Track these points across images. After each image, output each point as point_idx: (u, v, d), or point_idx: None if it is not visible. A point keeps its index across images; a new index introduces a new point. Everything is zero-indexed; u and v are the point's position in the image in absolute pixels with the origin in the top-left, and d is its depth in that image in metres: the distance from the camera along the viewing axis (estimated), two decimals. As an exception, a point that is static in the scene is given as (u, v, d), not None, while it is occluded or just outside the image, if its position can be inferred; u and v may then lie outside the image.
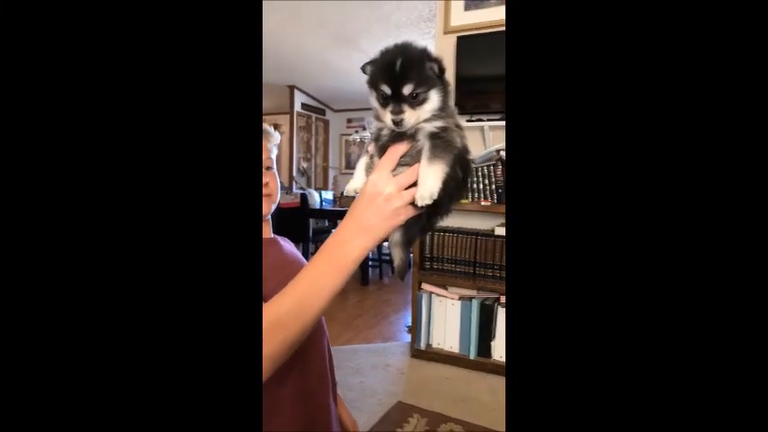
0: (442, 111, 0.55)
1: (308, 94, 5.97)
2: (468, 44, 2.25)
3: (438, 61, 0.54)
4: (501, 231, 2.17)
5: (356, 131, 6.07)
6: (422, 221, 0.59)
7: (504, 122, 2.21)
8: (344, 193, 0.60)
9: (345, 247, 0.55)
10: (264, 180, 0.81)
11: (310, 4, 3.44)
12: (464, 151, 0.57)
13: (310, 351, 0.79)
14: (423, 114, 0.54)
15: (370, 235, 0.54)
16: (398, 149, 0.55)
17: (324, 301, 0.55)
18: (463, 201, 2.23)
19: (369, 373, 2.16)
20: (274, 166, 0.86)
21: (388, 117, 0.54)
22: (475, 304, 2.19)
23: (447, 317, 2.27)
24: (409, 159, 0.55)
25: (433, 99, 0.54)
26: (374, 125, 0.59)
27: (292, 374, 0.74)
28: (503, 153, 2.09)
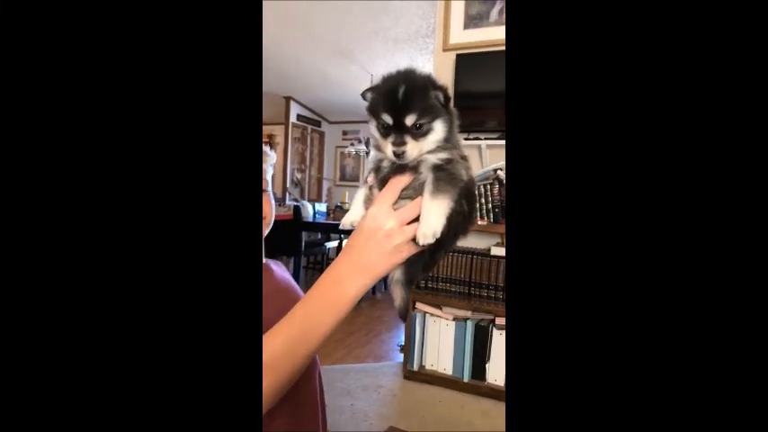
0: (447, 141, 0.52)
1: (304, 106, 5.95)
2: (467, 62, 2.24)
3: (443, 89, 0.51)
4: (497, 251, 2.14)
5: (351, 144, 6.05)
6: (424, 258, 0.56)
7: (501, 141, 2.19)
8: (340, 227, 0.56)
9: (342, 286, 0.51)
10: None
11: (308, 15, 3.43)
12: (470, 184, 0.54)
13: (303, 385, 0.75)
14: (426, 146, 0.51)
15: (368, 273, 0.51)
16: (400, 182, 0.52)
17: (317, 344, 0.51)
18: (459, 220, 2.19)
19: (360, 396, 2.10)
20: (270, 187, 0.82)
21: (389, 148, 0.50)
22: (470, 325, 2.15)
23: (441, 337, 2.22)
24: (412, 192, 0.52)
25: (438, 130, 0.51)
26: (373, 155, 0.56)
27: (284, 408, 0.70)
28: (500, 172, 2.07)
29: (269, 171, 0.83)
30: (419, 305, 2.26)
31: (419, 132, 0.50)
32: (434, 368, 2.24)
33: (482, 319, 2.17)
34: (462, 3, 2.26)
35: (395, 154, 0.50)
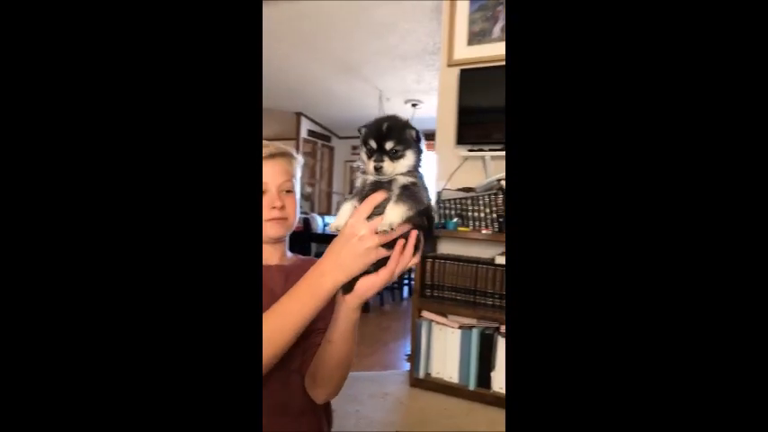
0: (415, 170, 0.67)
1: (314, 121, 6.08)
2: (471, 77, 2.31)
3: (416, 130, 0.67)
4: (502, 260, 2.17)
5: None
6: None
7: (503, 152, 2.25)
8: (327, 230, 0.67)
9: (322, 279, 0.64)
10: (280, 203, 0.82)
11: (319, 34, 3.56)
12: (429, 207, 0.69)
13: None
14: (399, 168, 0.66)
15: (343, 270, 0.64)
16: (375, 198, 0.65)
17: (299, 321, 0.64)
18: (463, 229, 2.24)
19: (366, 402, 2.12)
20: (296, 188, 0.87)
21: (371, 165, 0.65)
22: (475, 333, 2.17)
23: (447, 345, 2.25)
24: (383, 211, 0.65)
25: (409, 157, 0.66)
26: (359, 180, 0.70)
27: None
28: (503, 182, 2.12)
29: (296, 174, 0.88)
30: (425, 313, 2.30)
31: (395, 156, 0.65)
32: (440, 376, 2.26)
33: (487, 327, 2.20)
34: (466, 20, 2.35)
35: (375, 168, 0.65)
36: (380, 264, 0.65)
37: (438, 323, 2.27)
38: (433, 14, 3.12)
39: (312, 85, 4.80)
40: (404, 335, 3.20)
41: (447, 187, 2.38)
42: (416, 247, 0.67)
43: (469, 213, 2.28)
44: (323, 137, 6.38)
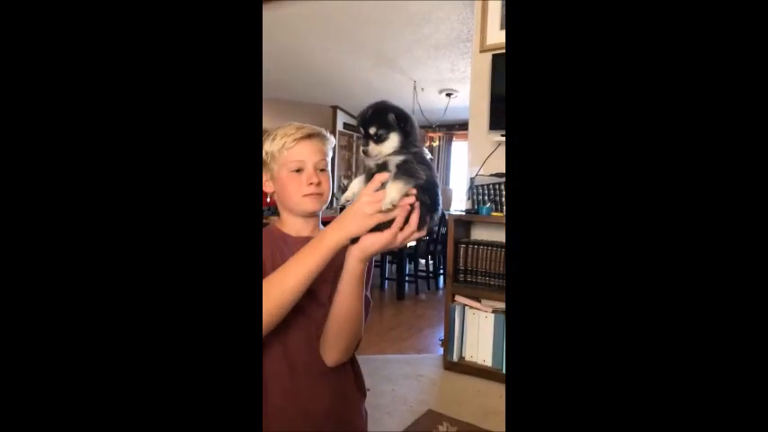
0: (404, 148, 0.73)
1: (349, 114, 6.17)
2: (504, 62, 2.30)
3: (397, 113, 0.73)
4: (535, 245, 2.16)
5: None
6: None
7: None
8: (341, 202, 0.75)
9: (324, 237, 0.73)
10: (317, 180, 0.89)
11: (352, 27, 3.62)
12: (429, 181, 0.73)
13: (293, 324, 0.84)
14: (384, 150, 0.73)
15: (343, 229, 0.72)
16: (381, 177, 0.72)
17: (302, 275, 0.71)
18: (497, 214, 2.25)
19: (401, 382, 2.18)
20: (329, 167, 0.95)
21: (361, 149, 0.74)
22: (508, 317, 2.18)
23: (480, 329, 2.27)
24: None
25: (393, 139, 0.73)
26: (367, 162, 0.77)
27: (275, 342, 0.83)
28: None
29: (329, 153, 0.95)
30: (458, 298, 2.33)
31: (378, 139, 0.73)
32: (474, 359, 2.28)
33: (521, 312, 2.20)
34: (499, 4, 2.34)
35: (363, 152, 0.73)
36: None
37: (472, 307, 2.29)
38: (467, 1, 3.11)
39: (348, 78, 4.88)
40: (438, 322, 3.23)
41: (481, 173, 2.39)
42: (422, 221, 0.72)
43: (503, 198, 2.28)
44: (359, 129, 6.46)
